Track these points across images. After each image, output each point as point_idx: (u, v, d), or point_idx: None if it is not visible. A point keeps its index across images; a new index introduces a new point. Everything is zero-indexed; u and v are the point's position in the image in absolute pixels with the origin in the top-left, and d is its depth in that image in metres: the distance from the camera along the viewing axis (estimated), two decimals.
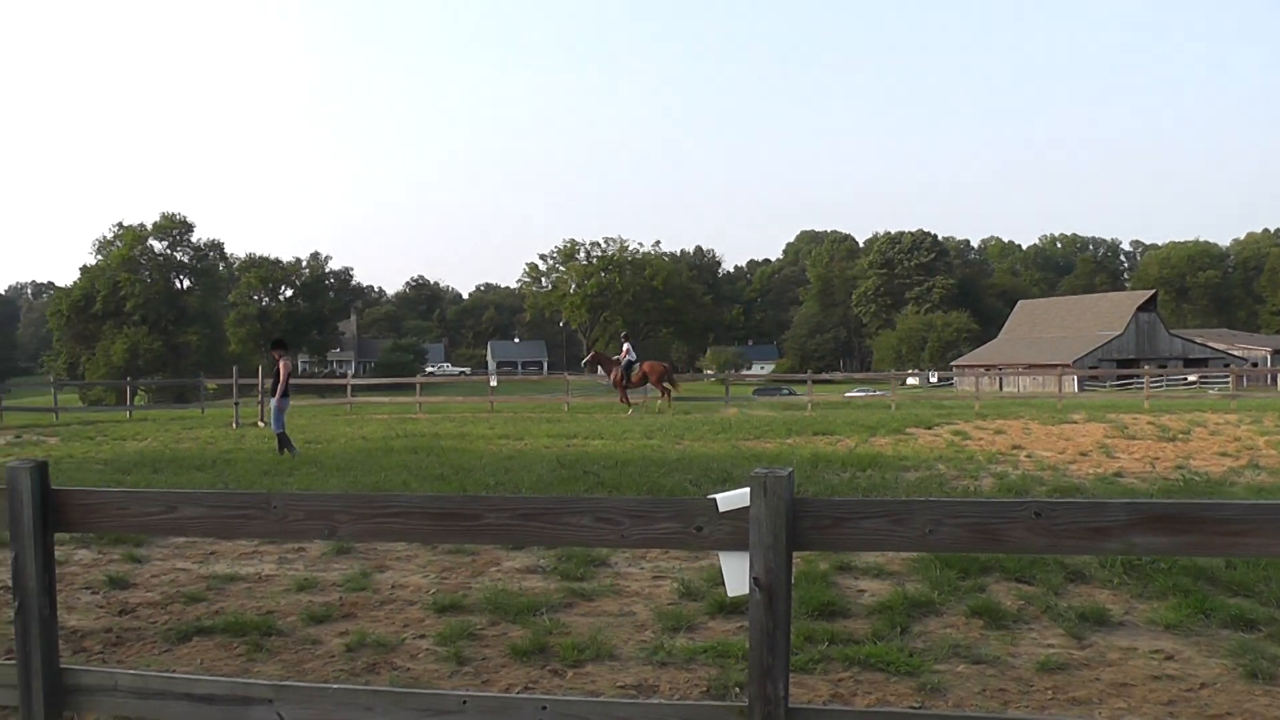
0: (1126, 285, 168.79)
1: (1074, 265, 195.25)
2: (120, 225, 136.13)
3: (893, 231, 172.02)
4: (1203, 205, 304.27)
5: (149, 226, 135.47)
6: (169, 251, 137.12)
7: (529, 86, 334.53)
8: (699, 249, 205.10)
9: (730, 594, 4.47)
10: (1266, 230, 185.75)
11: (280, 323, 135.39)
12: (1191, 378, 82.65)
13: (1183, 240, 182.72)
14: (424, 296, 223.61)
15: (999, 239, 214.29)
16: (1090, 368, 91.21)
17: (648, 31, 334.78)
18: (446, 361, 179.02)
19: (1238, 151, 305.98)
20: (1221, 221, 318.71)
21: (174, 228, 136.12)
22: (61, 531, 5.33)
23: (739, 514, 4.32)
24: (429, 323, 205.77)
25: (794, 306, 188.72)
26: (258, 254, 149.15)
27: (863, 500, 4.38)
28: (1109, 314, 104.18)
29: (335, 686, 5.06)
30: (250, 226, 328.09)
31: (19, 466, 5.21)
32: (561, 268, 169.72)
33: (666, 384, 40.66)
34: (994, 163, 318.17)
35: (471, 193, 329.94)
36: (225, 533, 5.44)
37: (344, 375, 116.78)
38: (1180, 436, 24.39)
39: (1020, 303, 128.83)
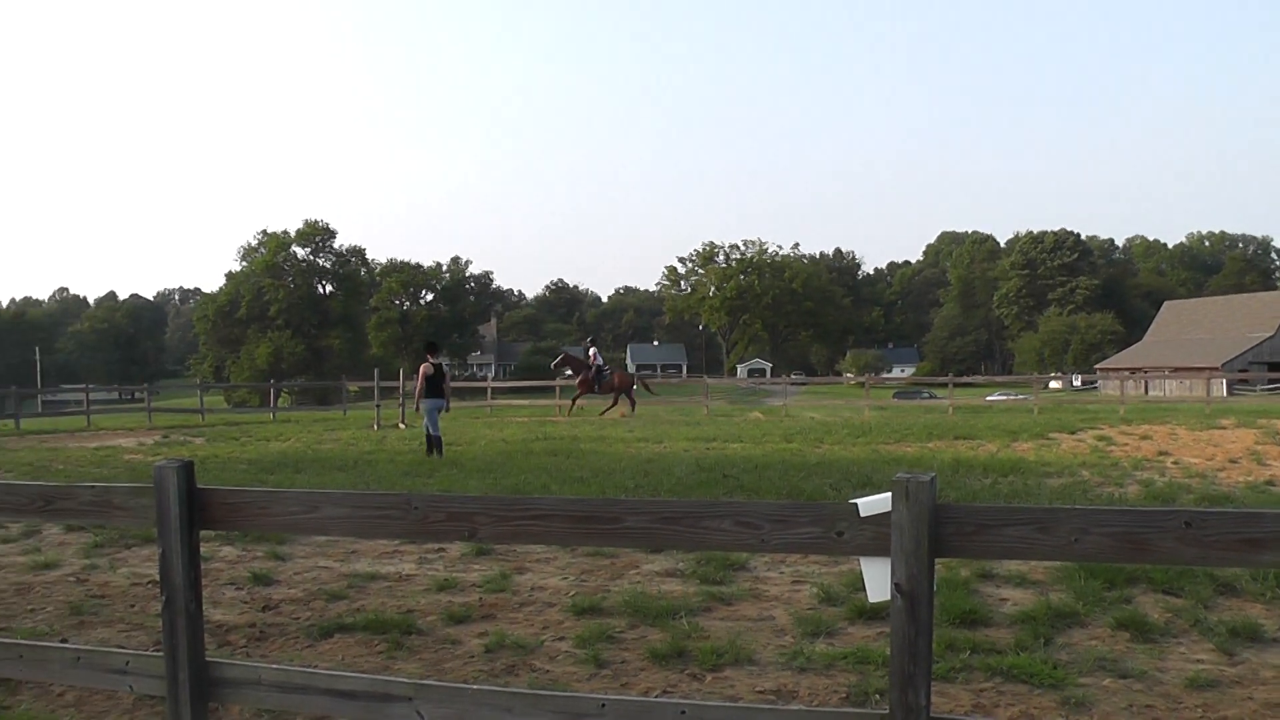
0: (1278, 284, 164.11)
1: (1222, 264, 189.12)
2: (264, 232, 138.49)
3: (1034, 231, 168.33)
4: None
5: (292, 233, 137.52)
6: (312, 257, 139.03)
7: (669, 87, 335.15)
8: (838, 251, 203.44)
9: (871, 600, 4.41)
10: None
11: (421, 326, 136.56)
12: None
13: None
14: (563, 300, 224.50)
15: (1144, 237, 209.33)
16: (1240, 371, 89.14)
17: (787, 30, 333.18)
18: None
19: None
20: None
21: (317, 234, 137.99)
22: (206, 529, 5.41)
23: (881, 519, 4.25)
24: (568, 326, 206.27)
25: (934, 309, 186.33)
26: (399, 259, 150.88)
27: (1007, 507, 4.29)
28: (1260, 314, 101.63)
29: (474, 687, 5.06)
30: (391, 232, 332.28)
31: (166, 466, 5.29)
32: (700, 271, 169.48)
33: (630, 395, 40.83)
34: (1138, 159, 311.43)
35: (611, 196, 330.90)
36: (366, 532, 5.48)
37: (484, 378, 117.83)
38: None
39: (1166, 304, 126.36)
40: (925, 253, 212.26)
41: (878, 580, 4.33)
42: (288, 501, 5.28)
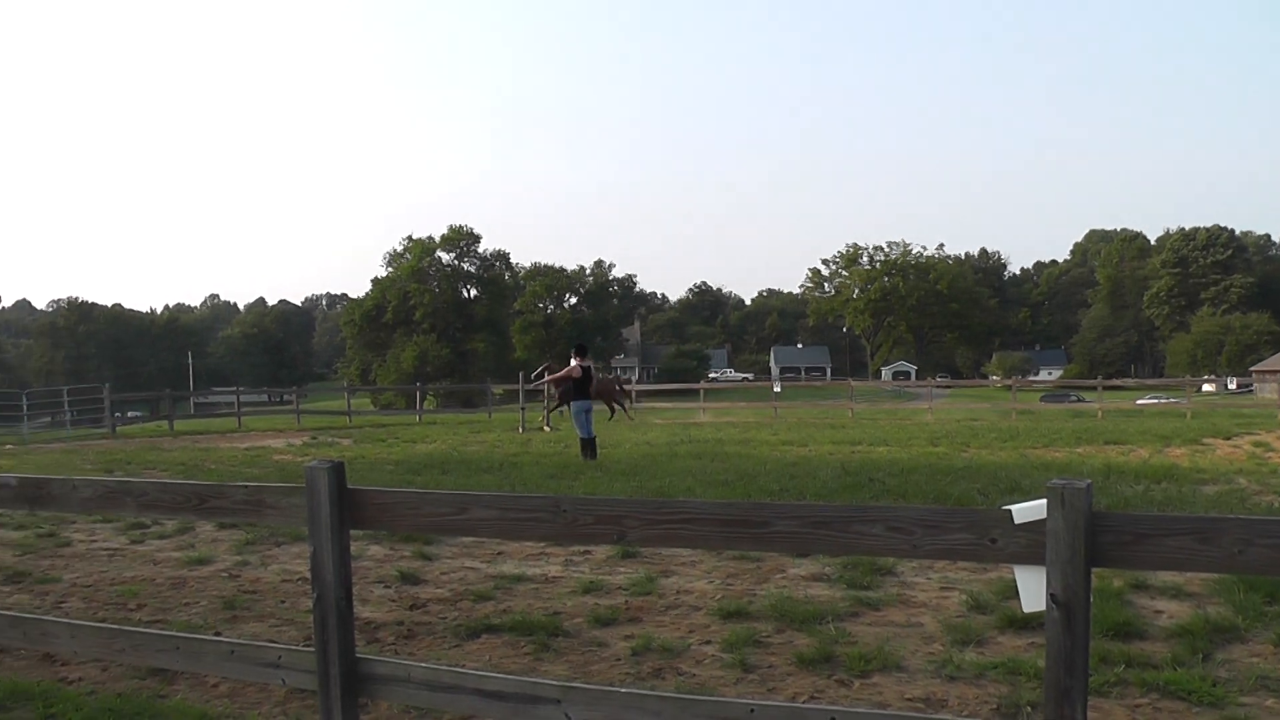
0: None
1: None
2: (410, 238, 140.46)
3: (1186, 228, 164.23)
4: None
5: (437, 239, 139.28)
6: (457, 262, 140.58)
7: (813, 86, 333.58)
8: (983, 251, 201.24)
9: (1025, 610, 4.31)
10: None
11: (565, 330, 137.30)
12: None
13: None
14: (707, 302, 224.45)
15: None
16: None
17: (933, 28, 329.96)
18: (729, 367, 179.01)
19: None
20: None
21: (461, 239, 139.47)
22: (356, 529, 5.46)
23: (1035, 527, 4.15)
24: (712, 328, 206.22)
25: (1082, 309, 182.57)
26: (543, 262, 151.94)
27: (1167, 516, 4.16)
28: None
29: (623, 690, 5.04)
30: (536, 236, 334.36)
31: (318, 467, 5.35)
32: (844, 272, 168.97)
33: (616, 401, 40.27)
34: None
35: (754, 197, 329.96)
36: (514, 534, 5.49)
37: (628, 381, 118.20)
38: None
39: None
40: (1073, 251, 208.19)
41: (1032, 590, 4.23)
42: (437, 502, 5.31)
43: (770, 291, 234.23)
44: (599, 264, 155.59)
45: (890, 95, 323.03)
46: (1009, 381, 73.45)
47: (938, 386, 75.64)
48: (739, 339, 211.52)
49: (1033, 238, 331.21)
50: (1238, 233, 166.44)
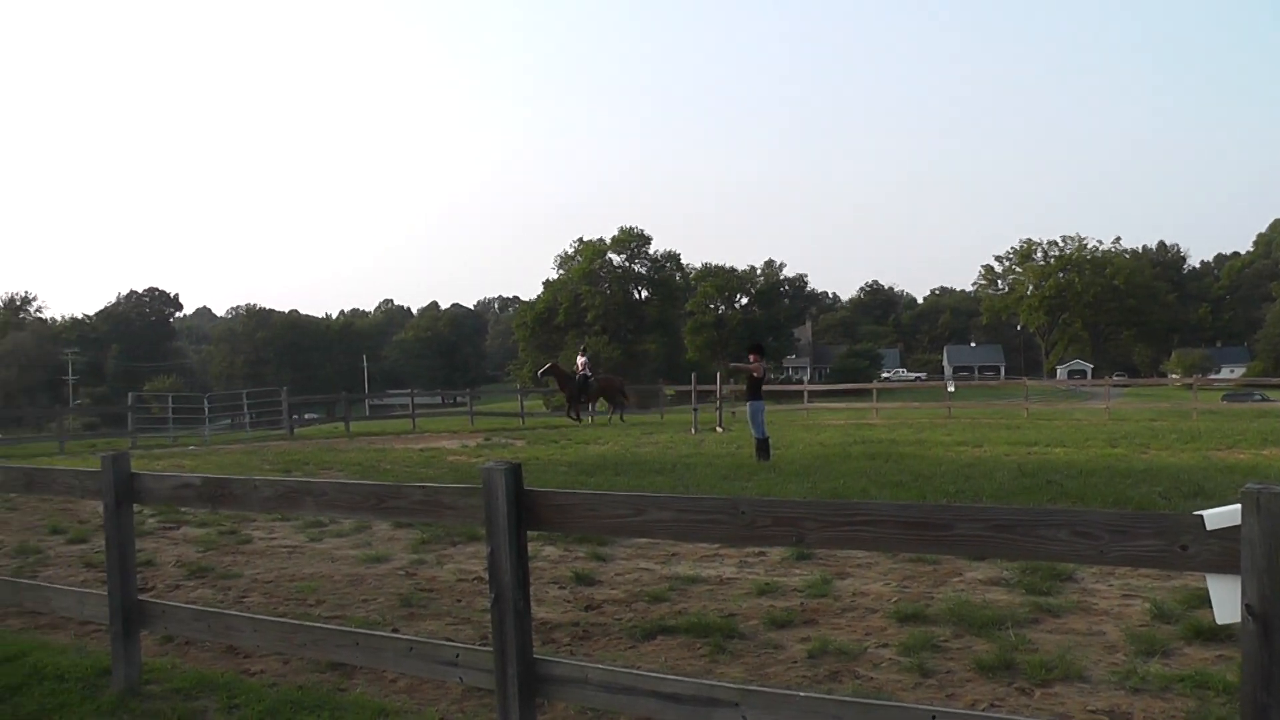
0: None
1: None
2: (580, 241, 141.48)
3: None
4: None
5: (608, 241, 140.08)
6: (627, 264, 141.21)
7: (980, 79, 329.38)
8: (1161, 244, 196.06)
9: (1219, 621, 4.16)
10: None
11: (736, 330, 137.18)
12: None
13: None
14: (878, 301, 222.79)
15: None
16: None
17: (1106, 12, 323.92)
18: (902, 367, 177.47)
19: None
20: None
21: (632, 241, 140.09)
22: (533, 530, 5.51)
23: (1228, 533, 3.99)
24: (884, 327, 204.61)
25: (1267, 303, 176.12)
26: (713, 263, 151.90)
27: None
28: None
29: (801, 694, 4.98)
30: (706, 237, 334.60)
31: (495, 468, 5.39)
32: (1018, 269, 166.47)
33: (620, 399, 39.31)
34: None
35: (925, 194, 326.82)
36: (691, 536, 5.47)
37: (799, 381, 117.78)
38: None
39: None
40: (1256, 243, 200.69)
41: (1225, 600, 4.08)
42: (614, 504, 5.33)
43: (943, 289, 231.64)
44: (769, 264, 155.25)
45: (1062, 84, 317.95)
46: (1189, 380, 71.73)
47: (1114, 385, 74.19)
48: (911, 338, 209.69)
49: (1213, 229, 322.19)
50: None
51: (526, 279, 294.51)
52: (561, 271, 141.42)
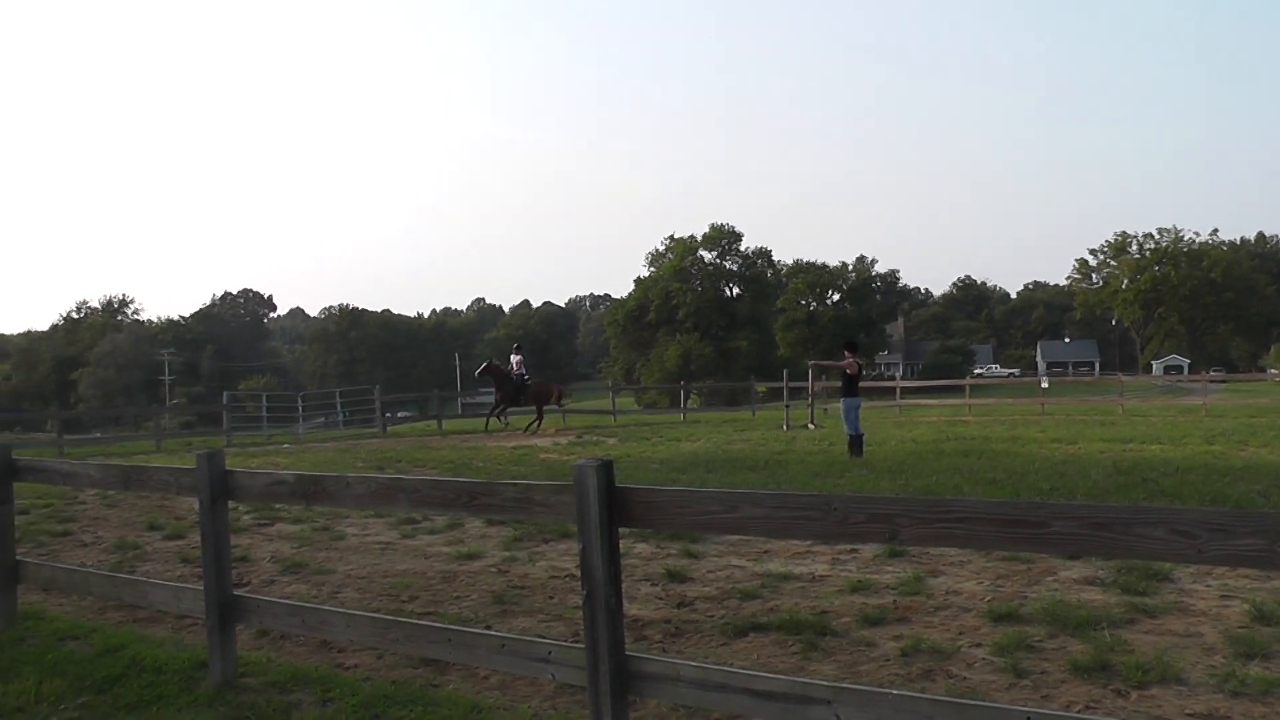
0: None
1: None
2: (672, 238, 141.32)
3: None
4: None
5: (699, 238, 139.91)
6: (719, 261, 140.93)
7: (1067, 72, 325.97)
8: (1260, 235, 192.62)
9: None
10: None
11: (828, 327, 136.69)
12: None
13: None
14: (970, 297, 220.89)
15: None
16: None
17: (1195, 5, 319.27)
18: (995, 363, 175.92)
19: None
20: None
21: (723, 238, 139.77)
22: (625, 526, 5.51)
23: None
24: (976, 323, 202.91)
25: None
26: (804, 259, 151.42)
27: None
28: None
29: (894, 693, 4.94)
30: (796, 233, 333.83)
31: (586, 465, 5.39)
32: (1112, 262, 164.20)
33: (540, 410, 37.71)
34: None
35: (1018, 187, 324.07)
36: (783, 533, 5.44)
37: (892, 378, 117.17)
38: None
39: None
40: None
41: None
42: (706, 500, 5.31)
43: (1036, 284, 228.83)
44: (861, 260, 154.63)
45: (1158, 73, 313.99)
46: None
47: (1212, 381, 73.05)
48: (1004, 333, 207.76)
49: None
50: None
51: (618, 276, 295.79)
52: (653, 269, 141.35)
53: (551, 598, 9.92)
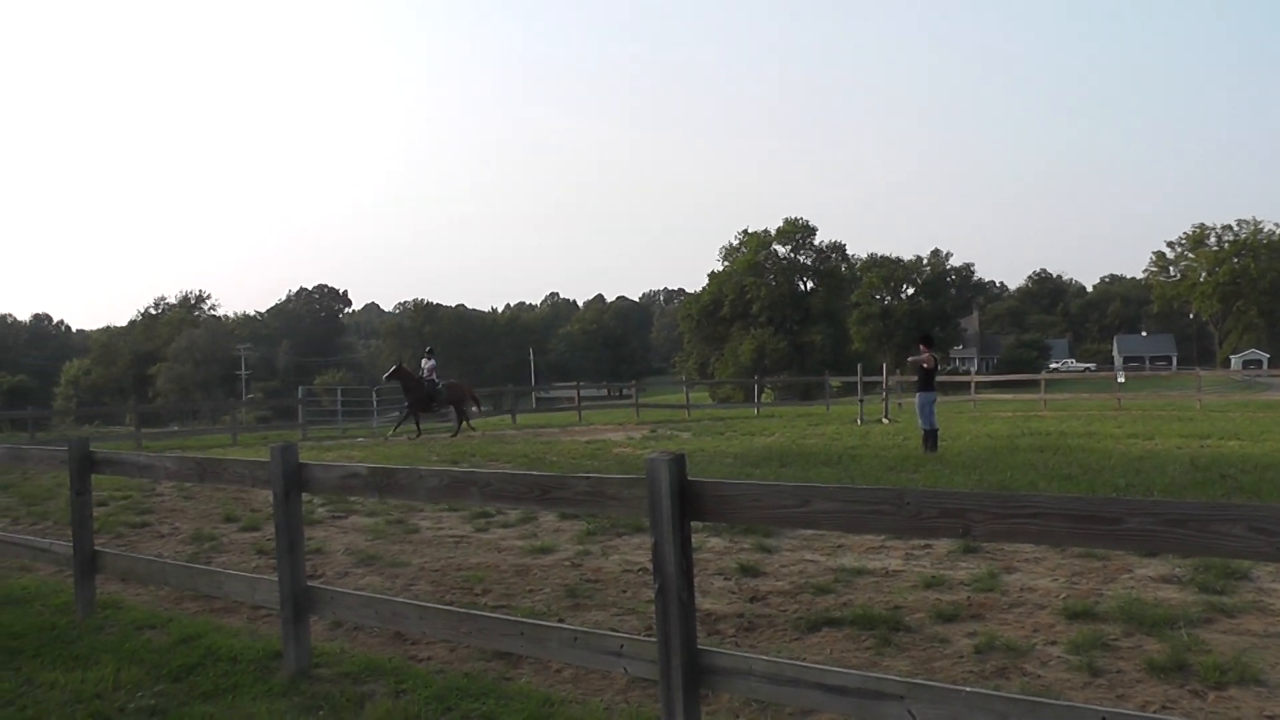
0: None
1: None
2: (745, 233, 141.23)
3: None
4: None
5: (773, 232, 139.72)
6: (792, 255, 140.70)
7: (1143, 63, 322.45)
8: None
9: None
10: None
11: (902, 321, 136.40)
12: None
13: None
14: (1046, 290, 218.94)
15: None
16: None
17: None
18: (1071, 357, 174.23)
19: None
20: None
21: (797, 232, 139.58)
22: (696, 520, 5.51)
23: None
24: (1052, 317, 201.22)
25: None
26: (879, 253, 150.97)
27: None
28: None
29: (968, 689, 4.91)
30: (871, 227, 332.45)
31: (659, 459, 5.40)
32: (1190, 255, 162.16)
33: (462, 411, 36.52)
34: None
35: (1094, 179, 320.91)
36: (856, 527, 5.44)
37: (967, 372, 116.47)
38: None
39: None
40: None
41: None
42: (779, 495, 5.30)
43: (1113, 277, 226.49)
44: (935, 253, 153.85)
45: (1235, 62, 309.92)
46: None
47: None
48: (1080, 327, 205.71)
49: None
50: None
51: (692, 271, 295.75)
52: (726, 263, 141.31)
53: (624, 592, 9.95)
